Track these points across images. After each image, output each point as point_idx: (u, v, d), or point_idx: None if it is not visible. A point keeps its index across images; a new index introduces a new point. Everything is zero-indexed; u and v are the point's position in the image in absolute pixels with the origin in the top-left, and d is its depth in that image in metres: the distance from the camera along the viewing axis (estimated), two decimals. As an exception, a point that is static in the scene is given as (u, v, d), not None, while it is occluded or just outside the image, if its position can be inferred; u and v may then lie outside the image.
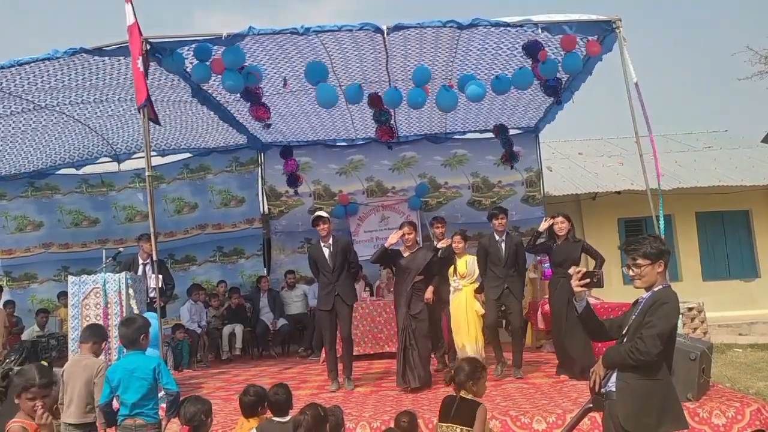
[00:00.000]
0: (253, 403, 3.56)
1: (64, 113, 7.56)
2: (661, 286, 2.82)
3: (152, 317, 4.97)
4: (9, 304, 8.67)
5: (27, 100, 6.92)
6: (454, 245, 6.54)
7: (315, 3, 61.73)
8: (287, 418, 3.41)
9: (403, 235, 5.92)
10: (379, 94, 7.16)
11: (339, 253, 6.00)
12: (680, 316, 5.59)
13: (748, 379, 6.62)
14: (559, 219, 6.13)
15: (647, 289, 2.86)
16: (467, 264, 6.80)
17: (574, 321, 5.76)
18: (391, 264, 6.17)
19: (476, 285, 6.77)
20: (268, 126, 7.58)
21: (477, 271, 6.67)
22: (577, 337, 5.62)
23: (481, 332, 6.67)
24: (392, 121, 8.07)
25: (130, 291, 5.82)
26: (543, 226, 6.22)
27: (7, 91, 6.58)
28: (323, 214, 6.21)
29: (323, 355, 7.41)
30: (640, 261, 2.83)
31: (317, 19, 63.62)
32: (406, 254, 5.97)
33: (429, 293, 5.91)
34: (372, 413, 4.75)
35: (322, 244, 6.08)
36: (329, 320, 5.99)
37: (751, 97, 35.83)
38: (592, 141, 15.17)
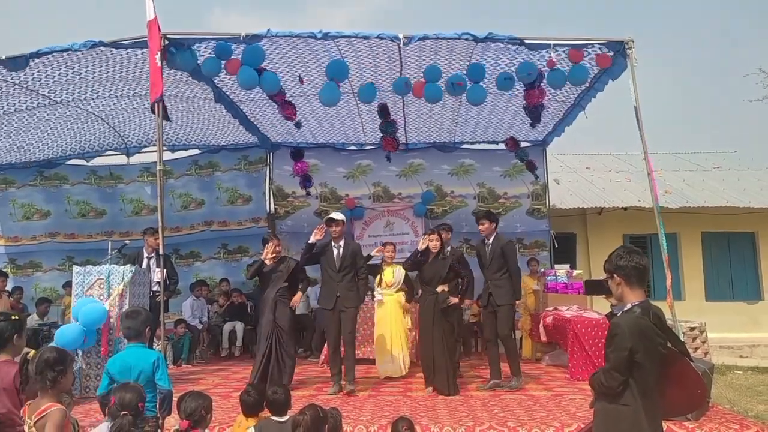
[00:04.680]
0: (254, 402, 3.58)
1: (78, 106, 7.64)
2: (629, 305, 2.69)
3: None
4: (17, 290, 8.73)
5: (43, 95, 7.02)
6: (386, 254, 6.78)
7: (332, 7, 61.99)
8: (286, 418, 3.42)
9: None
10: (388, 105, 7.17)
11: (348, 256, 6.05)
12: (683, 334, 5.60)
13: (748, 402, 6.59)
14: (434, 236, 6.11)
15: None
16: (394, 273, 6.89)
17: (440, 336, 5.84)
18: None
19: (401, 295, 6.82)
20: (299, 125, 7.56)
21: (401, 281, 6.82)
22: (441, 353, 5.82)
23: (407, 347, 6.73)
24: (398, 133, 8.09)
25: (125, 288, 5.86)
26: (422, 245, 6.16)
27: (25, 86, 6.68)
28: (335, 216, 6.15)
29: (323, 356, 7.43)
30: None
31: (334, 23, 63.89)
32: (269, 264, 6.09)
33: (297, 298, 6.13)
34: (369, 417, 4.76)
35: (332, 244, 6.13)
36: (332, 320, 6.04)
37: (762, 119, 35.70)
38: (600, 156, 15.19)
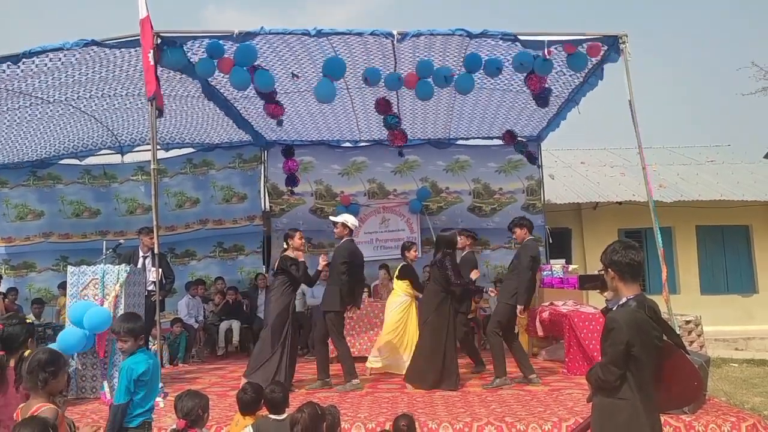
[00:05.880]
0: (251, 401, 3.56)
1: (71, 105, 7.59)
2: (624, 299, 2.70)
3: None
4: (11, 291, 8.68)
5: (36, 96, 6.98)
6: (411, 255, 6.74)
7: (332, 4, 61.77)
8: (284, 416, 3.41)
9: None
10: (387, 98, 7.16)
11: (333, 258, 6.21)
12: (678, 328, 5.63)
13: (744, 394, 6.63)
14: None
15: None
16: None
17: (453, 335, 5.90)
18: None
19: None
20: (281, 123, 7.59)
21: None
22: (453, 348, 5.91)
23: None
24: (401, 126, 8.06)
25: (121, 289, 5.81)
26: (474, 275, 6.40)
27: (18, 91, 6.64)
28: (335, 219, 6.36)
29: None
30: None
31: (333, 21, 63.72)
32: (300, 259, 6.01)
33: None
34: (367, 414, 4.76)
35: None
36: (318, 319, 6.24)
37: (755, 113, 35.89)
38: (595, 151, 15.21)
